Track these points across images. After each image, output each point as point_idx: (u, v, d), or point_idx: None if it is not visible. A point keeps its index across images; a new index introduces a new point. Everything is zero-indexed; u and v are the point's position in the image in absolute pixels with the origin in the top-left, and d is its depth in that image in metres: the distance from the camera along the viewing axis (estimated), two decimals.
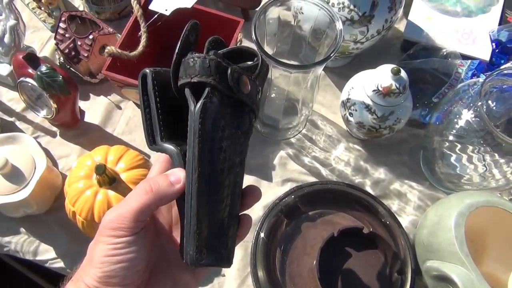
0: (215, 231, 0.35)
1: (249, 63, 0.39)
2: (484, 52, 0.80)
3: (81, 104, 0.79)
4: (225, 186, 0.36)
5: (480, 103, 0.60)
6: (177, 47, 0.36)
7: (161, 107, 0.37)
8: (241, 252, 0.69)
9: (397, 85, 0.64)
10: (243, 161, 0.38)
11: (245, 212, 0.40)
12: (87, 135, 0.77)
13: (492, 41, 0.80)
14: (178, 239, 0.40)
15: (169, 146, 0.37)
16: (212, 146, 0.35)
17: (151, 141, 0.38)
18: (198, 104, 0.34)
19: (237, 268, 0.68)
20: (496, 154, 0.63)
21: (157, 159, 0.40)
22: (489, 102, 0.68)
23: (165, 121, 0.38)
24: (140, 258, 0.35)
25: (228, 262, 0.37)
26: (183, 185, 0.35)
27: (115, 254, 0.34)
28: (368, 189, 0.74)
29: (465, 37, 0.81)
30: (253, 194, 0.39)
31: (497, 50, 0.80)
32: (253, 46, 0.58)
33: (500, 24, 0.83)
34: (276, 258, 0.66)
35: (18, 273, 0.99)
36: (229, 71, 0.35)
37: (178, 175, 0.36)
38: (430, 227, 0.63)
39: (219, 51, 0.37)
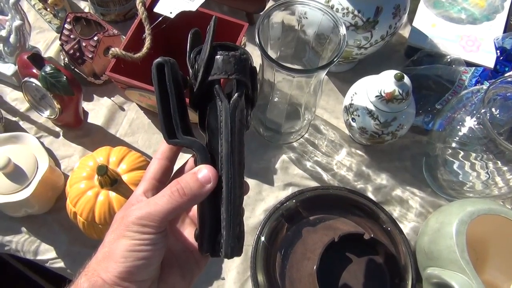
0: (239, 222, 0.36)
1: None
2: (489, 59, 0.79)
3: (85, 105, 0.79)
4: (242, 178, 0.37)
5: (483, 111, 0.60)
6: (209, 41, 0.37)
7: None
8: (241, 255, 0.69)
9: (400, 91, 0.64)
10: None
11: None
12: (90, 136, 0.77)
13: (496, 49, 0.80)
14: (179, 232, 0.41)
15: (195, 140, 0.37)
16: (240, 142, 0.36)
17: (170, 135, 0.37)
18: (233, 101, 0.36)
19: (237, 272, 0.68)
20: (499, 162, 0.62)
21: (155, 156, 0.40)
22: (493, 109, 0.68)
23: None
24: (160, 256, 0.36)
25: (242, 252, 0.38)
26: (214, 184, 0.36)
27: (140, 250, 0.34)
28: (370, 195, 0.74)
29: (469, 44, 0.81)
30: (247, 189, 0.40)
31: (501, 58, 0.80)
32: (256, 50, 0.58)
33: (505, 31, 0.83)
34: (276, 262, 0.66)
35: (19, 272, 0.99)
36: (257, 71, 0.37)
37: (207, 173, 0.36)
38: (431, 234, 0.63)
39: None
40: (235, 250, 0.35)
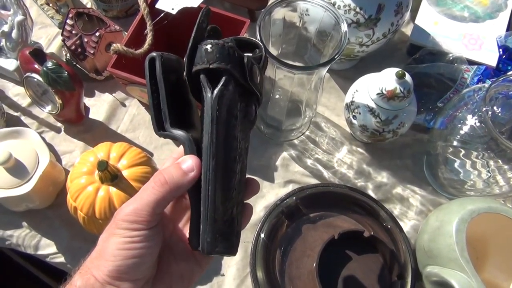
0: (228, 218, 0.35)
1: (257, 53, 0.39)
2: (491, 58, 0.79)
3: (86, 100, 0.79)
4: (236, 173, 0.36)
5: (484, 109, 0.60)
6: (193, 32, 0.36)
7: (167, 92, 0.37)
8: (241, 252, 0.69)
9: (402, 89, 0.64)
10: (248, 149, 0.39)
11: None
12: (91, 132, 0.78)
13: (499, 47, 0.80)
14: (181, 231, 0.40)
15: (180, 132, 0.36)
16: (228, 134, 0.35)
17: (159, 127, 0.37)
18: (216, 91, 0.34)
19: (237, 268, 0.68)
20: (500, 161, 0.62)
21: (171, 155, 0.40)
22: (494, 108, 0.67)
23: (170, 107, 0.37)
24: (153, 254, 0.35)
25: (236, 250, 0.37)
26: (197, 173, 0.35)
27: (130, 248, 0.33)
28: (370, 192, 0.74)
29: (472, 42, 0.81)
30: (252, 186, 0.39)
31: (504, 56, 0.79)
32: None
33: (507, 30, 0.82)
34: (275, 259, 0.66)
35: (20, 267, 1.00)
36: (245, 59, 0.36)
37: (191, 162, 0.35)
38: (431, 233, 0.63)
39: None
40: (215, 246, 0.34)
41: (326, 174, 0.76)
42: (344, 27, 0.58)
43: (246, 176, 0.39)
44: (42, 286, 1.00)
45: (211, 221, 0.34)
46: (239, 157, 0.37)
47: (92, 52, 0.75)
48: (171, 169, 0.35)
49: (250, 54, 0.38)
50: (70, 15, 0.75)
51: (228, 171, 0.35)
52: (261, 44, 0.39)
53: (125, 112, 0.80)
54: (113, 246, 0.34)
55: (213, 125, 0.34)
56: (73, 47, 0.75)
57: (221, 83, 0.35)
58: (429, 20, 0.83)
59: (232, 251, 0.36)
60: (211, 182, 0.34)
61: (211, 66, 0.35)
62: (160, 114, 0.37)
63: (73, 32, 0.75)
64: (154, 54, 0.36)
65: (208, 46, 0.35)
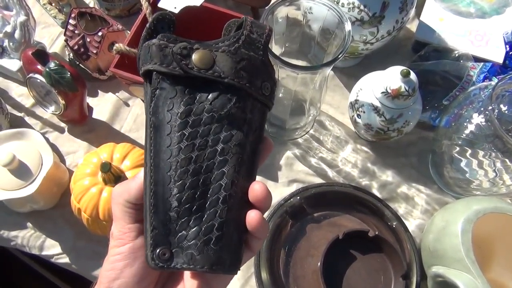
0: (182, 229, 0.31)
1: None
2: (497, 54, 0.78)
3: (89, 100, 0.79)
4: (198, 178, 0.32)
5: (491, 107, 0.59)
6: (142, 36, 0.34)
7: None
8: None
9: (406, 88, 0.63)
10: (232, 149, 0.33)
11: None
12: (95, 132, 0.78)
13: (506, 43, 0.79)
14: None
15: None
16: (169, 135, 0.32)
17: None
18: (149, 94, 0.32)
19: (241, 268, 0.68)
20: (507, 160, 0.62)
21: None
22: (501, 106, 0.67)
23: None
24: (139, 275, 0.33)
25: (211, 267, 0.31)
26: (142, 179, 0.33)
27: (113, 268, 0.33)
28: (375, 191, 0.74)
29: (478, 38, 0.80)
30: (256, 192, 0.35)
31: (510, 53, 0.78)
32: None
33: None
34: (280, 259, 0.66)
35: (25, 266, 1.00)
36: (170, 50, 0.32)
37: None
38: (436, 233, 0.62)
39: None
40: (156, 260, 0.31)
41: (330, 173, 0.75)
42: (347, 27, 0.57)
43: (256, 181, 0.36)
44: (48, 284, 1.01)
45: (149, 232, 0.31)
46: (206, 157, 0.32)
47: (95, 52, 0.75)
48: (129, 179, 0.35)
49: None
50: (73, 15, 0.75)
51: (177, 176, 0.31)
52: (245, 18, 0.35)
53: (129, 112, 0.79)
54: (104, 268, 0.34)
55: (147, 129, 0.32)
56: (75, 47, 0.75)
57: (152, 85, 0.32)
58: (435, 16, 0.82)
59: (202, 267, 0.31)
60: (147, 189, 0.32)
61: (141, 71, 0.33)
62: None
63: (76, 32, 0.75)
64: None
65: (142, 50, 0.33)
